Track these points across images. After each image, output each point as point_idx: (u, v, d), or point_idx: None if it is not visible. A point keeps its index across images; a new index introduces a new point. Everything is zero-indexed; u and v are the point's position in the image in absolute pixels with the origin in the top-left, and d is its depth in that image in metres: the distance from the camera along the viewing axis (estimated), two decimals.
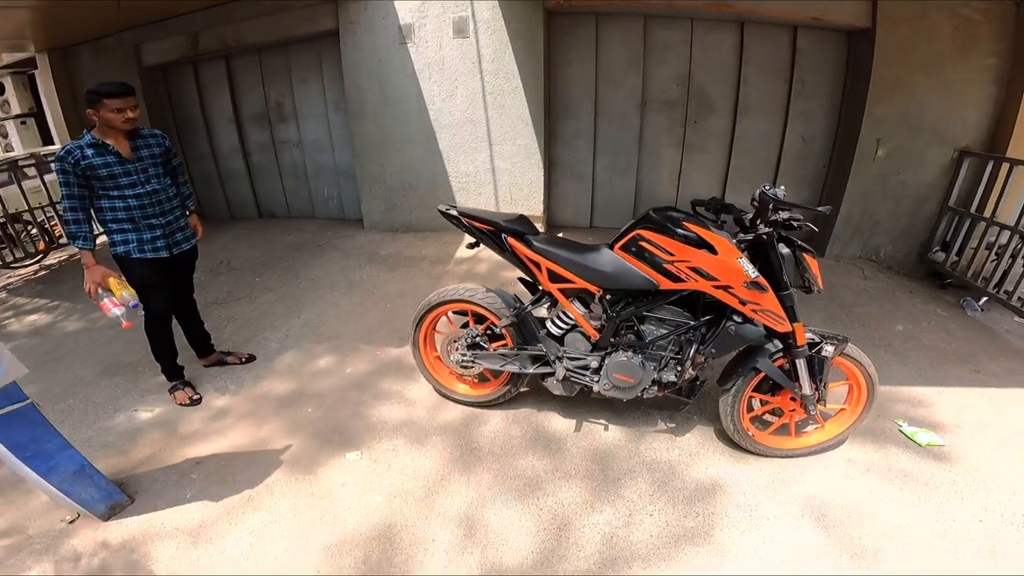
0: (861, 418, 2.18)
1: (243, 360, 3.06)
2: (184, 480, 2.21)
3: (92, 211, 2.40)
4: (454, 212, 2.17)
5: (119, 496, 2.09)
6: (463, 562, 1.81)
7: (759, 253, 1.92)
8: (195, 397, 2.74)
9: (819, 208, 1.78)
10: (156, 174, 2.48)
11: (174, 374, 2.79)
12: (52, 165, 2.37)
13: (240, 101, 5.60)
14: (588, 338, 2.19)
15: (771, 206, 1.81)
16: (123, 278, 2.31)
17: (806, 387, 2.04)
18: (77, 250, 2.35)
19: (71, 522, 2.03)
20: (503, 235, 2.11)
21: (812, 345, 2.01)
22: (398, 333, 3.21)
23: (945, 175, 4.16)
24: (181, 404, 2.71)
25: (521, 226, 2.14)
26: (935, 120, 4.04)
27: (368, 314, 3.54)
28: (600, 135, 4.76)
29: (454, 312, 2.45)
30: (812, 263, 1.91)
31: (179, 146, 5.83)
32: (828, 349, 2.00)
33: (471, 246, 2.28)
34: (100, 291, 2.24)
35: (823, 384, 2.06)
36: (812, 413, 2.11)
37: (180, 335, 2.85)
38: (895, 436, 2.38)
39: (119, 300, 2.21)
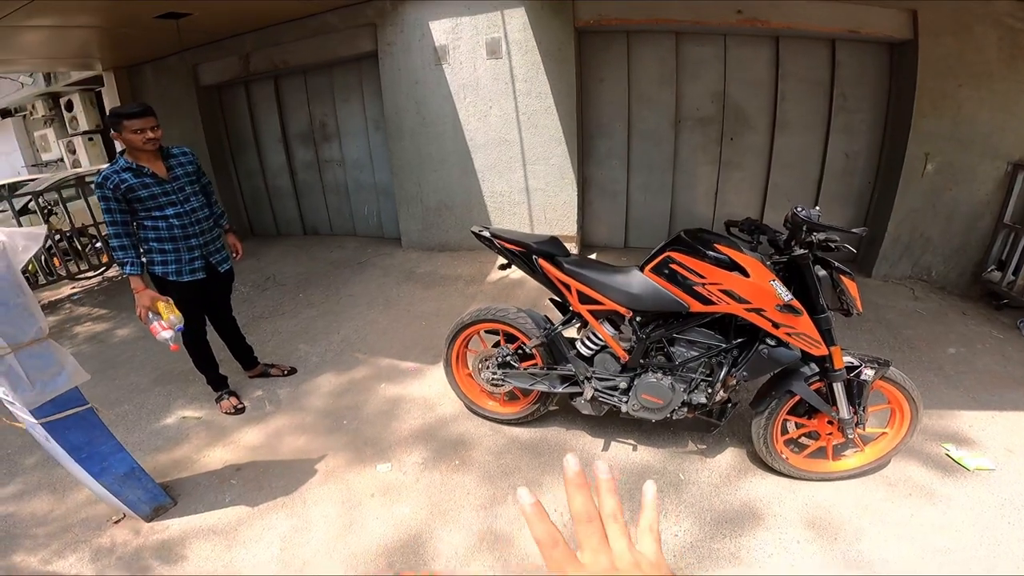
0: (903, 442, 2.12)
1: (285, 372, 3.18)
2: (224, 485, 2.32)
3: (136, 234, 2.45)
4: (487, 234, 2.23)
5: (164, 499, 2.20)
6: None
7: (794, 275, 1.90)
8: (239, 406, 2.86)
9: (855, 230, 1.75)
10: (193, 192, 2.53)
11: (218, 384, 2.91)
12: (95, 192, 2.40)
13: (287, 120, 5.89)
14: (617, 359, 2.19)
15: (805, 227, 1.79)
16: (171, 301, 2.36)
17: (844, 411, 1.99)
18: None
19: (116, 522, 2.15)
20: (534, 256, 2.15)
21: (851, 369, 1.95)
22: (432, 350, 3.28)
23: (999, 190, 3.96)
24: (226, 412, 2.83)
25: (552, 248, 2.17)
26: (986, 133, 3.86)
27: (404, 331, 3.64)
28: (634, 153, 4.75)
29: (486, 331, 2.49)
30: (851, 285, 1.87)
31: (232, 163, 6.16)
32: (868, 373, 1.94)
33: (503, 267, 2.33)
34: (150, 315, 2.34)
35: (862, 408, 2.00)
36: (850, 437, 2.06)
37: (225, 347, 3.00)
38: (942, 460, 2.28)
39: (167, 323, 2.30)
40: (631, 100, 4.60)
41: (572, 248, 4.73)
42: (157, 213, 2.42)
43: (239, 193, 6.29)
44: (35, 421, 1.81)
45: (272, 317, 3.98)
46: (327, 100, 5.62)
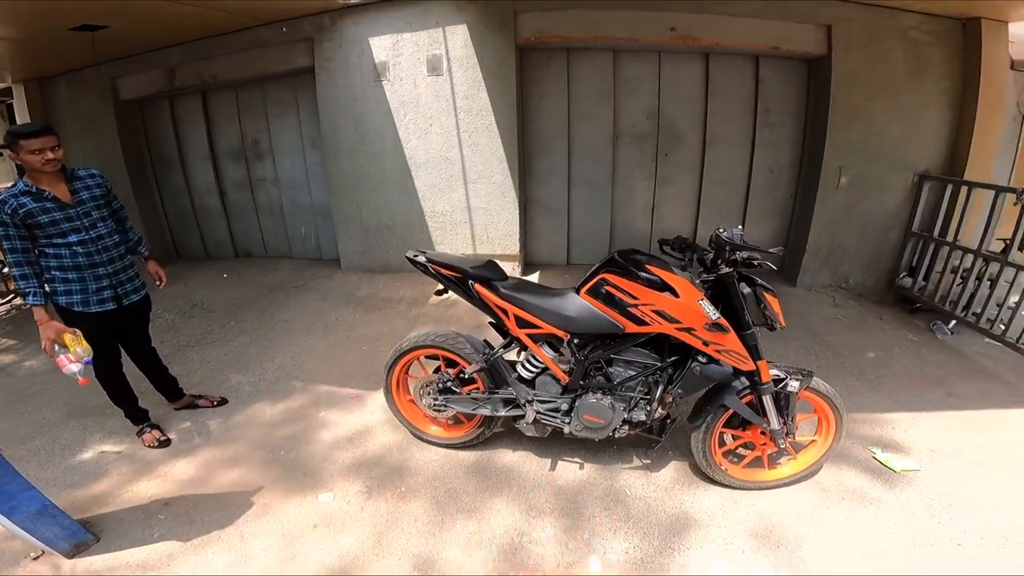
0: (832, 448, 2.22)
1: (215, 403, 3.00)
2: (151, 520, 2.18)
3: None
4: (422, 259, 2.19)
5: (84, 535, 2.07)
6: None
7: (721, 292, 1.96)
8: (163, 439, 2.68)
9: (772, 250, 1.83)
10: (100, 217, 2.35)
11: (138, 417, 2.72)
12: None
13: (216, 137, 5.59)
14: (558, 381, 2.20)
15: (727, 248, 1.86)
16: (78, 333, 2.20)
17: (774, 422, 2.07)
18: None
19: (35, 558, 2.02)
20: (470, 282, 2.13)
21: (777, 381, 2.04)
22: (374, 376, 3.18)
23: (907, 201, 4.29)
24: (149, 445, 2.65)
25: (489, 272, 2.16)
26: (894, 146, 4.18)
27: (344, 357, 3.51)
28: (574, 170, 4.83)
29: (426, 357, 2.44)
30: (773, 301, 1.95)
31: (155, 183, 5.79)
32: (793, 384, 2.02)
33: (439, 293, 2.29)
34: (56, 347, 2.18)
35: (791, 418, 2.09)
36: (782, 446, 2.15)
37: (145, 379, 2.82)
38: (870, 463, 2.41)
39: (74, 356, 2.15)
40: (571, 117, 4.69)
41: (515, 267, 4.74)
42: (59, 240, 2.23)
43: (163, 214, 5.89)
44: None
45: (200, 346, 3.75)
46: (260, 116, 5.40)
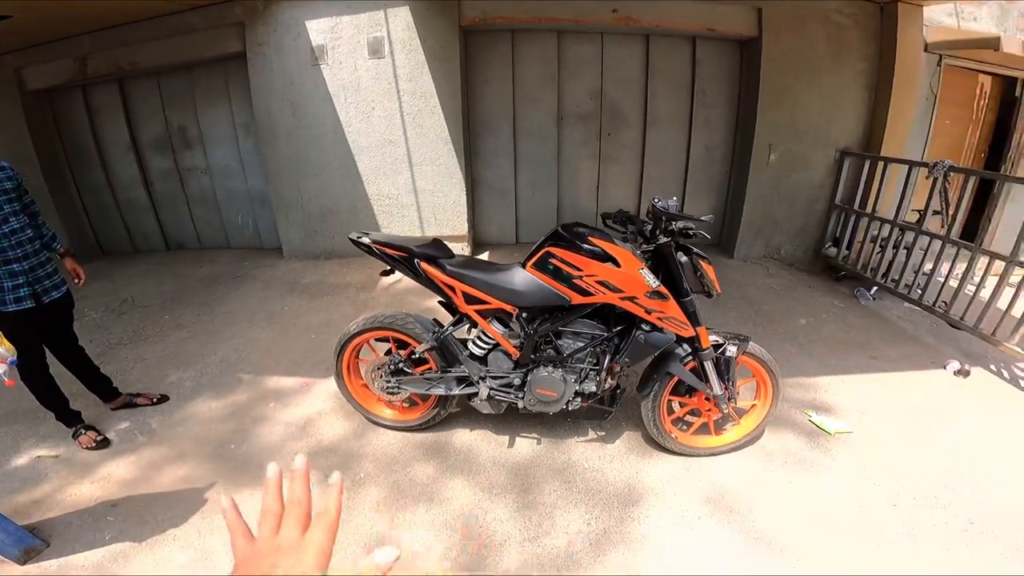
0: (771, 411, 2.33)
1: (155, 401, 2.86)
2: (100, 523, 2.10)
3: None
4: (366, 240, 2.14)
5: (32, 540, 1.99)
6: None
7: (660, 262, 2.03)
8: (100, 439, 2.54)
9: (702, 218, 1.91)
10: (12, 211, 2.21)
11: (70, 420, 2.56)
12: None
13: (138, 127, 5.22)
14: (510, 356, 2.22)
15: (663, 217, 1.92)
16: None
17: (716, 387, 2.17)
18: None
19: None
20: (416, 260, 2.11)
21: (717, 347, 2.13)
22: (324, 363, 3.11)
23: (830, 175, 4.58)
24: (87, 447, 2.50)
25: (434, 250, 2.14)
26: (817, 124, 4.44)
27: (291, 346, 3.41)
28: (520, 151, 4.86)
29: (376, 339, 2.40)
30: (708, 269, 2.04)
31: (71, 176, 5.35)
32: (731, 349, 2.13)
33: (385, 273, 2.26)
34: None
35: (731, 382, 2.20)
36: (725, 411, 2.24)
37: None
38: (807, 427, 2.55)
39: None
40: (516, 99, 4.70)
41: (464, 247, 4.73)
42: None
43: (82, 210, 5.46)
44: None
45: (134, 343, 3.53)
46: (187, 104, 5.09)
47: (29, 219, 2.32)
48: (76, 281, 2.55)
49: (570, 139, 4.85)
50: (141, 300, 4.22)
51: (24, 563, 1.94)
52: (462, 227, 4.72)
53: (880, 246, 4.10)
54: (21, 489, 2.29)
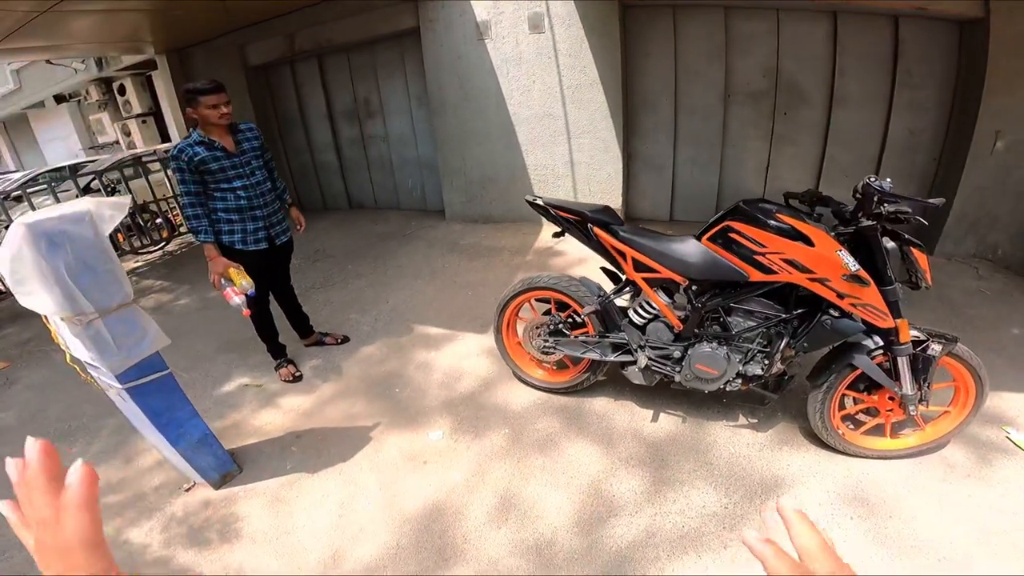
0: (965, 422, 2.04)
1: (339, 341, 3.29)
2: (285, 452, 2.41)
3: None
4: (541, 202, 2.24)
5: (231, 466, 2.29)
6: (524, 540, 1.91)
7: (860, 246, 1.85)
8: (297, 374, 2.98)
9: (931, 201, 1.69)
10: (258, 166, 2.63)
11: (278, 352, 3.03)
12: (169, 164, 2.49)
13: (332, 98, 6.00)
14: (671, 328, 2.19)
15: (876, 198, 1.74)
16: (242, 268, 2.47)
17: (907, 387, 1.93)
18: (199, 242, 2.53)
19: (187, 489, 2.25)
20: (589, 224, 2.16)
21: (917, 343, 1.90)
22: (479, 319, 3.34)
23: None
24: (285, 380, 2.95)
25: (606, 216, 2.18)
26: None
27: (451, 301, 3.71)
28: (680, 128, 4.66)
29: (537, 299, 2.52)
30: (921, 258, 1.81)
31: (280, 141, 6.33)
32: (935, 348, 1.88)
33: (556, 235, 2.34)
34: (223, 280, 2.46)
35: (927, 384, 1.95)
36: (912, 414, 2.00)
37: (283, 317, 3.11)
38: (1002, 443, 2.20)
39: (239, 288, 2.41)
40: (678, 75, 4.51)
41: None
42: (225, 185, 2.52)
43: (288, 169, 6.47)
44: (120, 386, 1.87)
45: (323, 288, 4.12)
46: (370, 77, 5.69)
47: (268, 173, 2.75)
48: (298, 228, 2.99)
49: (737, 117, 4.53)
50: (329, 251, 4.90)
51: (219, 488, 2.22)
52: (616, 200, 4.70)
53: None
54: (228, 414, 2.72)
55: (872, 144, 4.32)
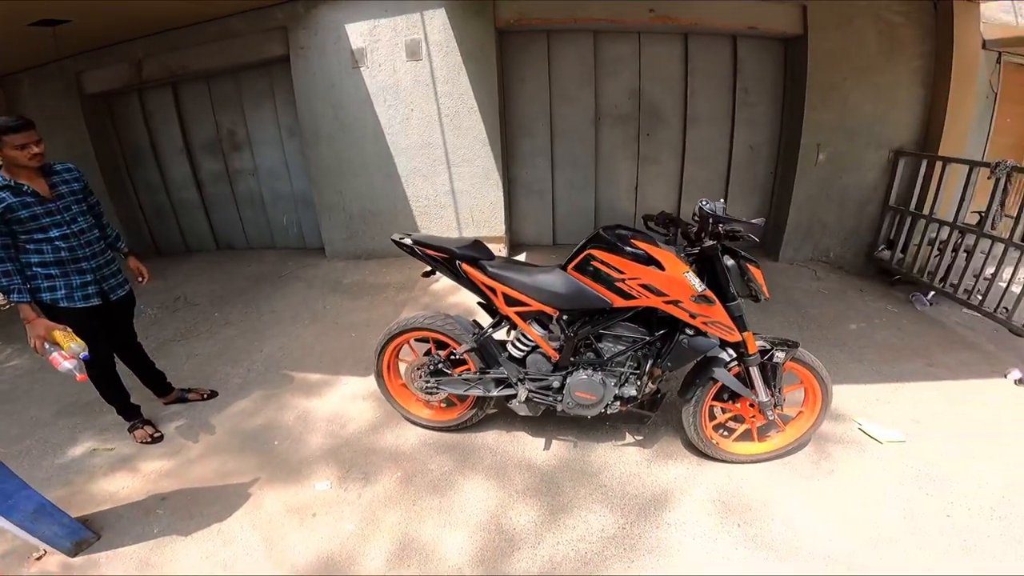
0: (819, 419, 2.25)
1: (205, 396, 2.97)
2: (150, 516, 2.17)
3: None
4: (408, 241, 2.17)
5: (84, 532, 2.06)
6: None
7: (706, 266, 1.98)
8: (156, 435, 2.65)
9: (753, 221, 1.85)
10: (80, 211, 2.31)
11: (130, 414, 2.68)
12: None
13: (190, 130, 5.46)
14: (549, 359, 2.21)
15: (711, 220, 1.87)
16: (68, 330, 2.13)
17: (762, 393, 2.10)
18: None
19: (38, 558, 2.00)
20: (457, 261, 2.12)
21: (764, 352, 2.07)
22: (364, 362, 3.17)
23: (884, 176, 4.38)
24: (142, 442, 2.62)
25: (475, 251, 2.15)
26: (869, 123, 4.25)
27: (333, 345, 3.49)
28: (557, 151, 4.84)
29: (416, 340, 2.43)
30: (756, 273, 1.98)
31: (128, 178, 5.64)
32: (779, 355, 2.06)
33: (426, 274, 2.28)
34: (47, 345, 2.13)
35: (778, 389, 2.12)
36: (770, 418, 2.18)
37: (133, 375, 2.77)
38: (856, 435, 2.44)
39: (68, 352, 2.08)
40: (552, 99, 4.68)
41: (501, 248, 4.74)
42: (40, 235, 2.18)
43: (139, 209, 5.75)
44: None
45: (186, 339, 3.69)
46: (235, 107, 5.29)
47: (94, 220, 2.42)
48: (139, 280, 2.66)
49: (608, 139, 4.80)
50: (193, 298, 4.41)
51: (75, 555, 2.00)
52: (499, 228, 4.73)
53: (938, 249, 3.89)
54: (77, 481, 2.39)
55: (721, 160, 4.77)
